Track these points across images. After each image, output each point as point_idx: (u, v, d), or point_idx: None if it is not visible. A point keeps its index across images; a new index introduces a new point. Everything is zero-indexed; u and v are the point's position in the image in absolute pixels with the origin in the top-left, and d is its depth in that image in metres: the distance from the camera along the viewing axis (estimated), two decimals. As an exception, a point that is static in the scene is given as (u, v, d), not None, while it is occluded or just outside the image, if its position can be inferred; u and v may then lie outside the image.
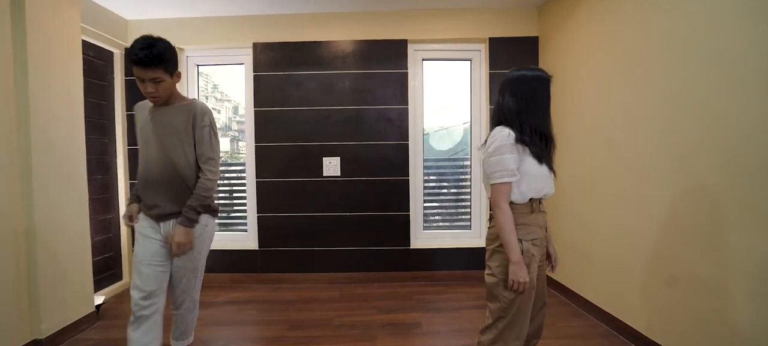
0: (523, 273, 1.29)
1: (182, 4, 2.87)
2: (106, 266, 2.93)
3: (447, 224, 3.36)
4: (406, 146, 3.14)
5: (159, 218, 1.61)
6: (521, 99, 1.35)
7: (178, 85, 1.63)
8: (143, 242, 1.62)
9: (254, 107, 3.12)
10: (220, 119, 3.44)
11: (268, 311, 2.68)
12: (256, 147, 3.14)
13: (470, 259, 3.15)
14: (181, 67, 3.15)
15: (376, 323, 2.44)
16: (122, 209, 3.03)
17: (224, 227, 3.35)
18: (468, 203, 3.30)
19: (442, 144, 3.34)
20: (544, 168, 1.35)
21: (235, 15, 3.07)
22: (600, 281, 2.41)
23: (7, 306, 1.93)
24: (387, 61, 3.10)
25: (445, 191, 3.36)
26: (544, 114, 1.37)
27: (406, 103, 3.12)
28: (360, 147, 3.12)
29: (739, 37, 1.53)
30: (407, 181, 3.15)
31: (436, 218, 3.37)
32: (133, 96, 3.00)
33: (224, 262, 3.13)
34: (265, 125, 3.12)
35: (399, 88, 3.11)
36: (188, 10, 2.97)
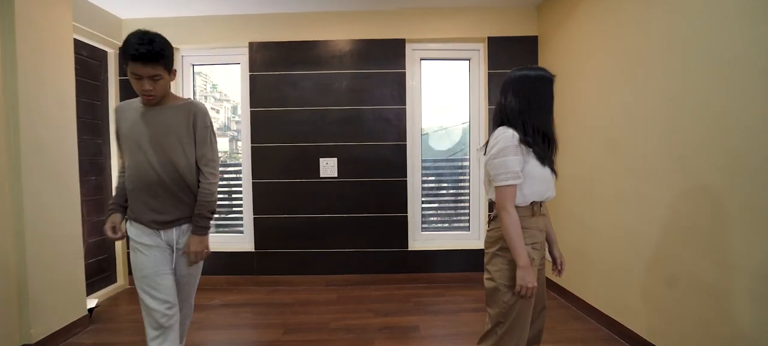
0: (531, 278, 1.26)
1: (177, 3, 2.84)
2: (100, 268, 2.89)
3: (445, 225, 3.33)
4: (404, 147, 3.11)
5: (160, 225, 1.52)
6: (524, 99, 1.32)
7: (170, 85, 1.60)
8: (148, 253, 1.51)
9: (250, 107, 3.09)
10: (219, 119, 3.42)
11: (264, 314, 2.65)
12: (253, 148, 3.10)
13: (469, 261, 3.13)
14: (177, 67, 3.11)
15: (373, 326, 2.41)
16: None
17: (220, 228, 3.31)
18: (467, 204, 3.27)
19: (441, 144, 3.32)
20: (546, 170, 1.33)
21: (231, 14, 3.04)
22: (600, 282, 2.39)
23: (-4, 310, 1.90)
24: (384, 60, 3.07)
25: (443, 191, 3.34)
26: (546, 114, 1.34)
27: (404, 103, 3.10)
28: (357, 148, 3.09)
29: (739, 37, 1.52)
30: (405, 182, 3.12)
31: (435, 219, 3.34)
32: (127, 96, 2.95)
33: (220, 264, 3.10)
34: (261, 126, 3.09)
35: (397, 88, 3.09)
36: (184, 9, 2.94)
